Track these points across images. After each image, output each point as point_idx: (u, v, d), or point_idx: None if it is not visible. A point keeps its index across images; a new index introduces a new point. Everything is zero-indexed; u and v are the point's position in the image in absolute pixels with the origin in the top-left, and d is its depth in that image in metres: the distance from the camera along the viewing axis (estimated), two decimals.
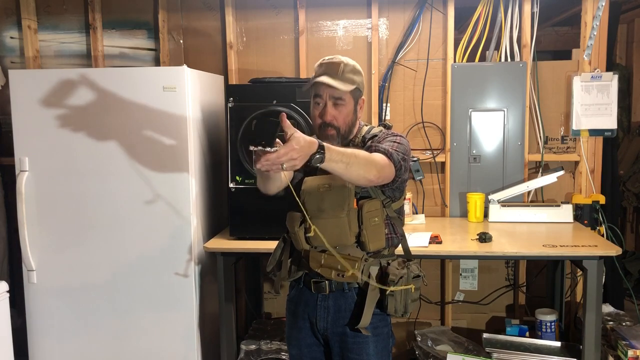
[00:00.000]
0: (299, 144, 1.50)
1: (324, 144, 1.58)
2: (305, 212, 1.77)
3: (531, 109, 3.18)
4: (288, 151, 1.48)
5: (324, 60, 1.89)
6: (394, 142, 1.85)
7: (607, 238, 3.03)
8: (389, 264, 1.89)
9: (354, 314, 1.89)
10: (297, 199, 1.74)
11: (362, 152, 1.71)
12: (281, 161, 1.48)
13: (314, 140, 1.55)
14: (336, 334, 1.93)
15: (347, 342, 1.91)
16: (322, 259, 1.85)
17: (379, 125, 2.01)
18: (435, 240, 2.61)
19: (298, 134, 1.51)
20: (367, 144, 1.89)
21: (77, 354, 2.86)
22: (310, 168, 1.80)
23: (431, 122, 3.27)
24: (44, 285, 2.84)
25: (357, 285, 1.90)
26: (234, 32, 3.33)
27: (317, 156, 1.54)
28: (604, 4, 3.00)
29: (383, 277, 1.86)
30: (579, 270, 2.95)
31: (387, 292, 1.82)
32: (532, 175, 3.22)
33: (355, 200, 1.84)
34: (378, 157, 1.74)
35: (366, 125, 1.99)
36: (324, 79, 1.82)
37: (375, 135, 1.92)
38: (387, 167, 1.75)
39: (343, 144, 1.88)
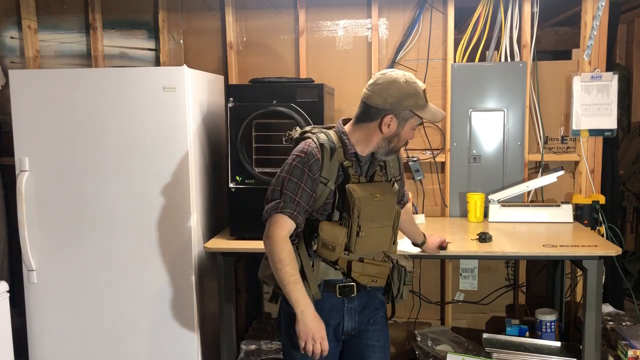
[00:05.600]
0: None
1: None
2: (357, 223, 1.82)
3: (531, 109, 3.18)
4: None
5: (420, 84, 1.88)
6: None
7: (607, 238, 3.03)
8: (390, 257, 2.00)
9: (377, 306, 2.01)
10: (353, 210, 1.81)
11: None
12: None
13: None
14: (359, 330, 1.98)
15: (368, 331, 1.99)
16: (362, 268, 1.88)
17: None
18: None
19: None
20: None
21: (77, 354, 2.87)
22: (333, 178, 1.86)
23: (431, 122, 3.27)
24: (44, 285, 2.85)
25: None
26: (234, 32, 3.33)
27: None
28: (604, 4, 3.00)
29: (399, 270, 2.00)
30: (579, 270, 2.94)
31: (406, 282, 2.01)
32: (532, 175, 3.22)
33: None
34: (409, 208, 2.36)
35: None
36: (442, 114, 1.92)
37: None
38: None
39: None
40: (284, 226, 1.81)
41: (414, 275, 2.10)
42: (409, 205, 2.31)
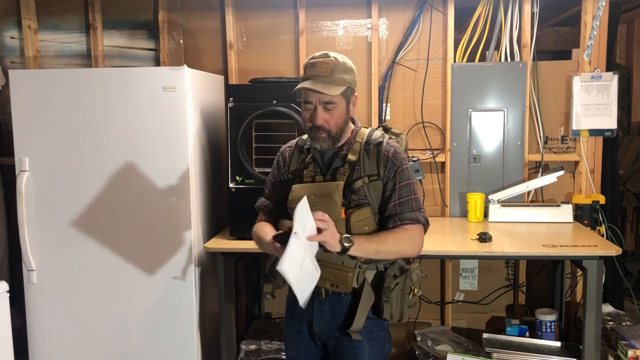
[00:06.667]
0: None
1: (352, 237, 1.70)
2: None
3: (531, 109, 3.18)
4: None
5: (312, 58, 1.80)
6: (410, 193, 1.84)
7: (607, 238, 3.03)
8: (386, 268, 1.86)
9: (349, 318, 1.85)
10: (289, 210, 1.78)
11: (389, 239, 1.78)
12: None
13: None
14: (333, 337, 1.91)
15: (343, 346, 1.89)
16: None
17: (379, 127, 2.00)
18: None
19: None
20: (370, 149, 1.84)
21: (77, 354, 2.86)
22: (297, 173, 1.86)
23: (431, 122, 3.27)
24: (44, 285, 2.85)
25: (353, 289, 1.85)
26: (234, 32, 3.33)
27: (345, 245, 1.68)
28: (604, 4, 3.00)
29: (379, 282, 1.84)
30: (579, 270, 2.94)
31: (383, 298, 1.81)
32: (532, 175, 3.22)
33: (343, 210, 1.79)
34: (409, 234, 1.81)
35: (365, 128, 1.94)
36: (310, 85, 1.74)
37: (381, 143, 1.85)
38: (420, 234, 1.85)
39: (335, 147, 1.86)
40: (259, 219, 1.98)
41: (423, 281, 1.89)
42: (401, 232, 1.82)
